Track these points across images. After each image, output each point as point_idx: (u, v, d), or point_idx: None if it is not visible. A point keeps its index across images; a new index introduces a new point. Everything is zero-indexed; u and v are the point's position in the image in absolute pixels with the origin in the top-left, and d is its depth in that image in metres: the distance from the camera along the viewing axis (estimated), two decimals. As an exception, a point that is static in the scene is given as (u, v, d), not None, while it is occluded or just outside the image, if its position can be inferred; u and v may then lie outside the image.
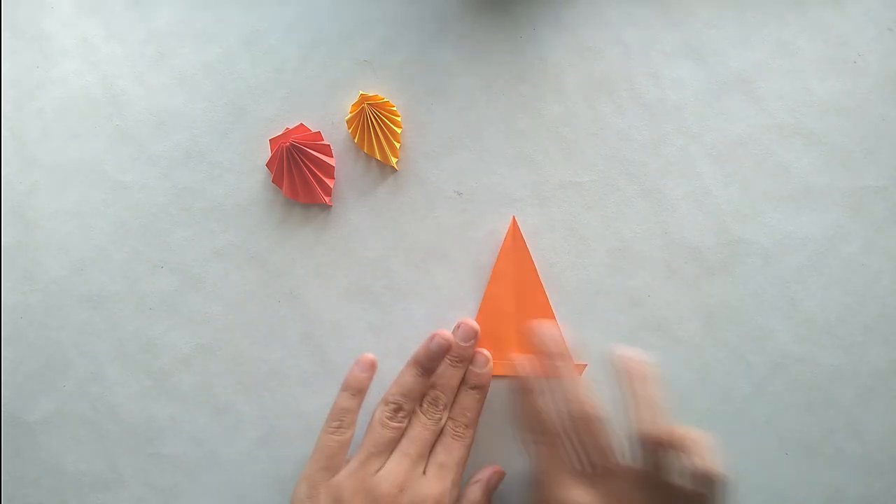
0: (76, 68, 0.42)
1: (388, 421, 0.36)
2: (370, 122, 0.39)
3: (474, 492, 0.36)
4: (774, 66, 0.40)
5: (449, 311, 0.39)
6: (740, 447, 0.38)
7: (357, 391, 0.37)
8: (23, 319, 0.41)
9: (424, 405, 0.37)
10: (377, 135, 0.39)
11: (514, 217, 0.40)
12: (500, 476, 0.38)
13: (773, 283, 0.39)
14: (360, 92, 0.40)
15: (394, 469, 0.35)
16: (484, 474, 0.37)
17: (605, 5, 0.40)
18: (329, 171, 0.40)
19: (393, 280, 0.40)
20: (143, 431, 0.40)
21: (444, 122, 0.40)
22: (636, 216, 0.39)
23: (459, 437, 0.36)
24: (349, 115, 0.40)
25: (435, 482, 0.35)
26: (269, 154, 0.41)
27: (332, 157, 0.40)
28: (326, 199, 0.40)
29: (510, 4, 0.41)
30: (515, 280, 0.39)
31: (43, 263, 0.42)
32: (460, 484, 0.36)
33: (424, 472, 0.35)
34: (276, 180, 0.40)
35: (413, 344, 0.38)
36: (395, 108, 0.40)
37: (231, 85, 0.41)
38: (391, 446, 0.36)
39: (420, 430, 0.36)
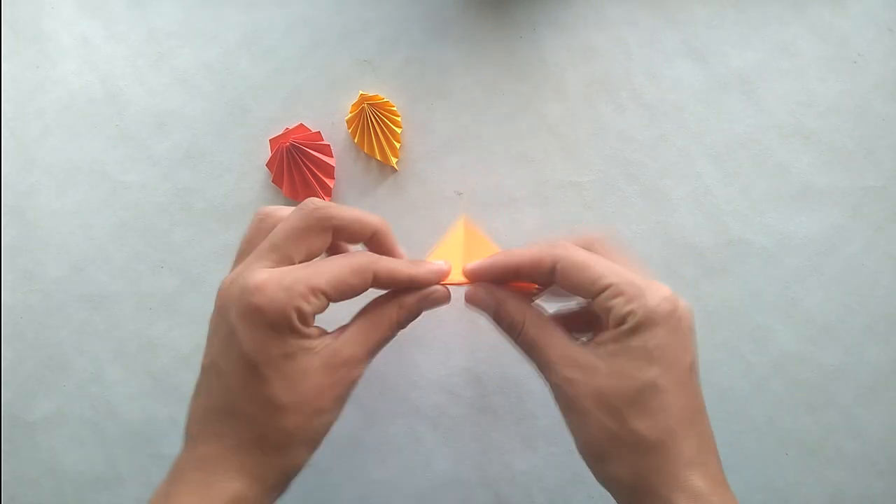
0: (76, 68, 0.42)
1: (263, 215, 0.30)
2: (370, 122, 0.39)
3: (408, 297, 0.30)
4: (774, 66, 0.39)
5: (449, 311, 0.39)
6: (740, 447, 0.38)
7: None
8: (23, 319, 0.41)
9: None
10: (377, 135, 0.39)
11: (464, 217, 0.37)
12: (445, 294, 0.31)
13: (773, 283, 0.39)
14: (360, 92, 0.40)
15: (240, 265, 0.28)
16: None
17: (605, 5, 0.40)
18: (329, 171, 0.40)
19: (393, 280, 0.40)
20: (143, 431, 0.40)
21: (444, 122, 0.40)
22: (636, 216, 0.39)
23: (351, 253, 0.29)
24: (349, 115, 0.40)
25: (273, 269, 0.27)
26: (269, 154, 0.41)
27: (332, 157, 0.40)
28: (326, 199, 0.40)
29: (510, 5, 0.41)
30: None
31: (43, 263, 0.42)
32: (334, 289, 0.27)
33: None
34: (276, 180, 0.40)
35: (413, 342, 0.38)
36: (395, 108, 0.40)
37: (231, 85, 0.41)
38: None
39: (284, 222, 0.28)
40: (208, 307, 0.41)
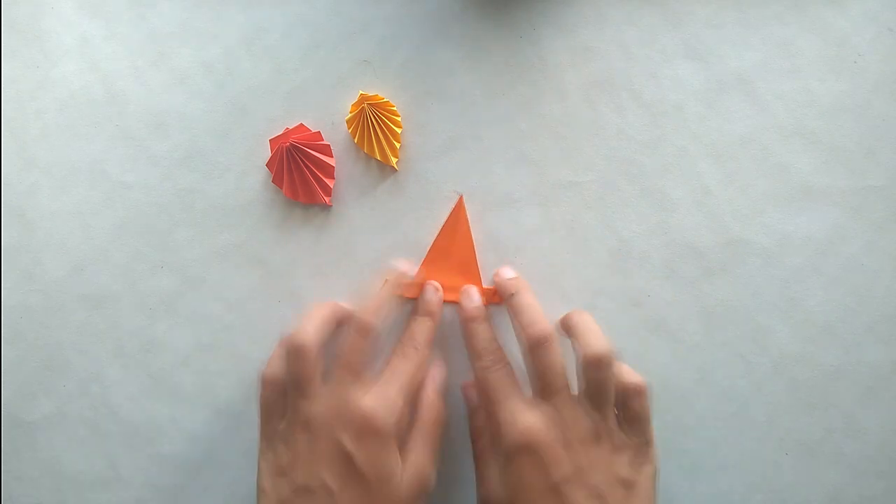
0: (76, 68, 0.42)
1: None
2: (370, 122, 0.39)
3: (428, 393, 0.36)
4: (774, 66, 0.40)
5: (448, 311, 0.39)
6: (740, 447, 0.38)
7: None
8: (23, 319, 0.41)
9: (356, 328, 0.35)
10: (377, 135, 0.39)
11: (461, 197, 0.40)
12: (442, 371, 0.37)
13: (773, 283, 0.39)
14: (360, 92, 0.40)
15: (327, 389, 0.34)
16: (430, 374, 0.37)
17: (605, 5, 0.40)
18: (329, 171, 0.40)
19: (393, 280, 0.40)
20: (143, 431, 0.40)
21: (444, 122, 0.40)
22: (636, 216, 0.39)
23: (404, 356, 0.35)
24: (349, 115, 0.40)
25: (371, 393, 0.33)
26: (269, 154, 0.41)
27: (332, 157, 0.40)
28: (326, 199, 0.40)
29: (510, 4, 0.41)
30: (453, 259, 0.39)
31: (43, 263, 0.42)
32: (407, 396, 0.34)
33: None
34: (276, 180, 0.40)
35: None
36: (395, 108, 0.40)
37: (231, 85, 0.41)
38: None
39: (353, 344, 0.34)
40: (208, 307, 0.41)
